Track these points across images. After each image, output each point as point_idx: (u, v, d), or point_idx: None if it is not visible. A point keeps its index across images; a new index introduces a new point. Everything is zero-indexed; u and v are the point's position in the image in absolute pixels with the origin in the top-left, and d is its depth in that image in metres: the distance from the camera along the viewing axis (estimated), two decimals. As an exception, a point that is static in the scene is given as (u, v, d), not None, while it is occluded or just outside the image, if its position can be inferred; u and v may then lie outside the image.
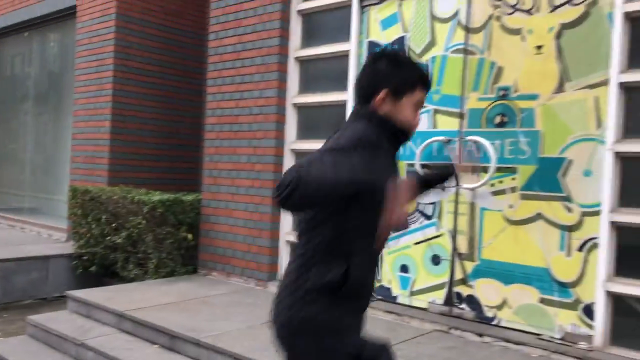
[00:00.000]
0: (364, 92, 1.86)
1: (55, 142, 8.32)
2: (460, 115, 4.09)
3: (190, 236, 5.57)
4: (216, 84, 5.58)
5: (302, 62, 5.15)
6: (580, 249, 3.56)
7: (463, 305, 4.06)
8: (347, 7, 4.77)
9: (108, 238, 6.05)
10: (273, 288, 5.00)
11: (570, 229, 3.60)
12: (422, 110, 1.94)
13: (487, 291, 3.94)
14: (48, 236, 7.81)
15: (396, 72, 1.82)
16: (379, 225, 1.68)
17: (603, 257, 3.46)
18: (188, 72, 7.50)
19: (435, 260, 4.22)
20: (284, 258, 5.15)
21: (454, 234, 4.12)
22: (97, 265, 6.28)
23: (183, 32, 7.54)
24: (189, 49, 7.52)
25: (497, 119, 3.92)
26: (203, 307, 4.45)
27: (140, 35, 7.11)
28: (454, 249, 4.11)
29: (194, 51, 7.54)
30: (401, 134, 1.84)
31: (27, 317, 4.68)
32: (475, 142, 3.95)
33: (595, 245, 3.50)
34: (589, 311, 3.52)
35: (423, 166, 4.22)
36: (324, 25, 5.06)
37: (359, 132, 1.71)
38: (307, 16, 5.14)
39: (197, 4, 7.54)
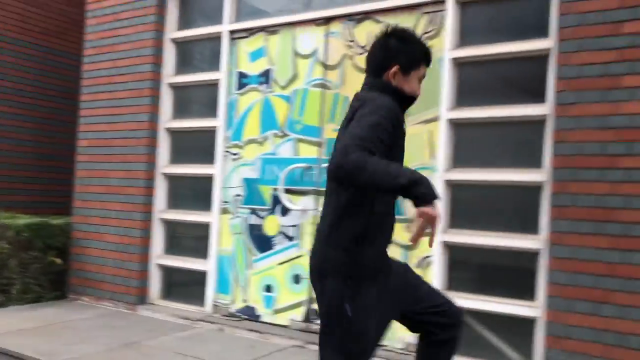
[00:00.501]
0: (377, 66, 2.15)
1: None
2: (319, 144, 4.42)
3: (58, 261, 5.45)
4: (89, 107, 5.57)
5: (176, 88, 5.30)
6: (418, 266, 3.96)
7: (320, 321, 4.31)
8: (218, 38, 5.01)
9: (-30, 264, 5.75)
10: (142, 311, 5.02)
11: (409, 248, 4.00)
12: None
13: (340, 307, 4.23)
14: None
15: (405, 49, 2.13)
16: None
17: (437, 273, 3.88)
18: (68, 94, 7.35)
19: (297, 279, 4.47)
20: (154, 281, 5.20)
21: (312, 255, 4.39)
22: (-43, 293, 5.93)
23: (63, 53, 7.42)
24: (69, 70, 7.39)
25: (349, 148, 4.27)
26: (66, 331, 4.39)
27: (15, 55, 6.92)
28: (313, 268, 4.38)
29: (74, 72, 7.39)
30: (409, 101, 2.18)
31: None
32: (330, 168, 4.27)
33: (430, 263, 3.92)
34: (425, 322, 3.90)
35: (286, 190, 4.51)
36: (196, 54, 5.26)
37: (384, 102, 1.99)
38: (181, 45, 5.31)
39: (79, 25, 7.46)
